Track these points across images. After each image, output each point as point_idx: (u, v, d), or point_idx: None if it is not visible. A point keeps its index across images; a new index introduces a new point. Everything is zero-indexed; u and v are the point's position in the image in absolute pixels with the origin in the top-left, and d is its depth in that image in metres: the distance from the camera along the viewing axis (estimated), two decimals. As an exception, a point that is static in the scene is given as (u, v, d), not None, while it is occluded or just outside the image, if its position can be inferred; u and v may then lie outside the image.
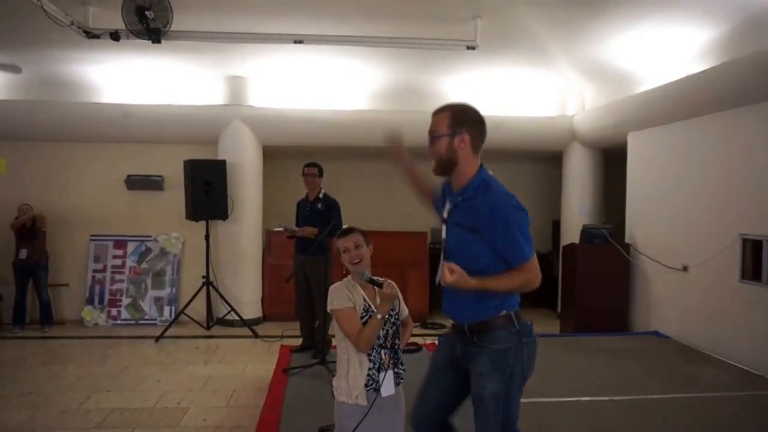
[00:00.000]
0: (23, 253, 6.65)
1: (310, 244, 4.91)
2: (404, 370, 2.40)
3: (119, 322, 7.12)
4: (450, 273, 2.02)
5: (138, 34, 5.00)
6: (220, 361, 5.59)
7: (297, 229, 5.26)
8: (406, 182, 2.64)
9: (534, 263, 2.12)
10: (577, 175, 7.63)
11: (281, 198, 7.14)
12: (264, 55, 6.18)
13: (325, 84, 7.01)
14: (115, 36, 5.19)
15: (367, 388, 2.29)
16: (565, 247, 6.81)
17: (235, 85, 6.96)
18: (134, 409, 4.32)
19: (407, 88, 6.99)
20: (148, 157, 7.27)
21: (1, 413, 4.24)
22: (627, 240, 6.48)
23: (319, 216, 5.12)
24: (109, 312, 7.16)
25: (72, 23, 5.00)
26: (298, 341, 5.53)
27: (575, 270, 6.28)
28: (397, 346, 2.37)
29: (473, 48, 5.41)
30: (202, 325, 6.80)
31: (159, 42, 5.06)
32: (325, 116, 6.93)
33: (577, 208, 7.51)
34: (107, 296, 7.21)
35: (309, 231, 5.09)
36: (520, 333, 2.15)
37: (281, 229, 5.70)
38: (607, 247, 6.23)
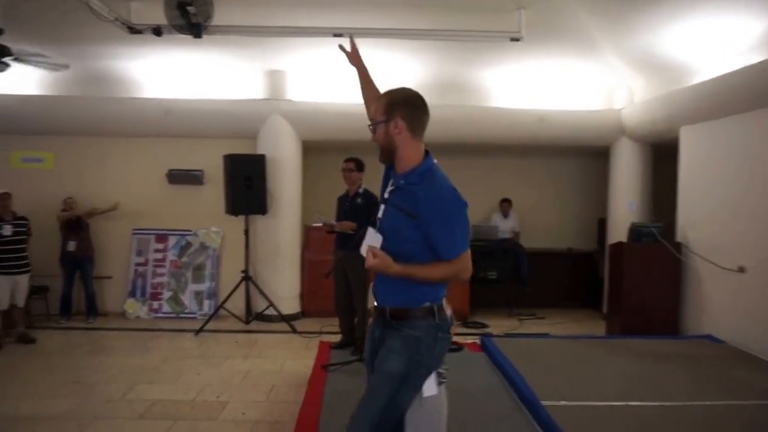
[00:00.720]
0: (71, 246, 6.91)
1: (349, 239, 4.95)
2: (447, 370, 2.40)
3: (160, 314, 7.34)
4: (373, 257, 2.10)
5: (180, 29, 5.12)
6: (258, 356, 5.70)
7: (335, 223, 5.31)
8: (360, 83, 2.74)
9: (465, 257, 2.14)
10: (624, 171, 7.46)
11: (320, 193, 7.23)
12: (303, 49, 6.24)
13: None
14: (157, 31, 5.33)
15: (410, 387, 2.30)
16: (612, 245, 6.67)
17: (275, 79, 7.07)
18: (175, 401, 4.46)
19: (449, 81, 6.95)
20: (189, 151, 7.46)
21: (50, 400, 4.45)
22: (678, 239, 6.30)
23: (359, 211, 5.15)
24: (150, 305, 7.39)
25: (116, 19, 5.16)
26: (338, 337, 5.60)
27: (623, 270, 6.15)
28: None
29: (517, 39, 5.34)
30: (241, 320, 6.96)
31: (200, 37, 5.17)
32: (364, 110, 6.95)
33: (628, 206, 7.35)
34: (149, 289, 7.44)
35: (347, 226, 5.13)
36: (438, 327, 2.17)
37: (320, 224, 5.77)
38: (657, 246, 6.07)
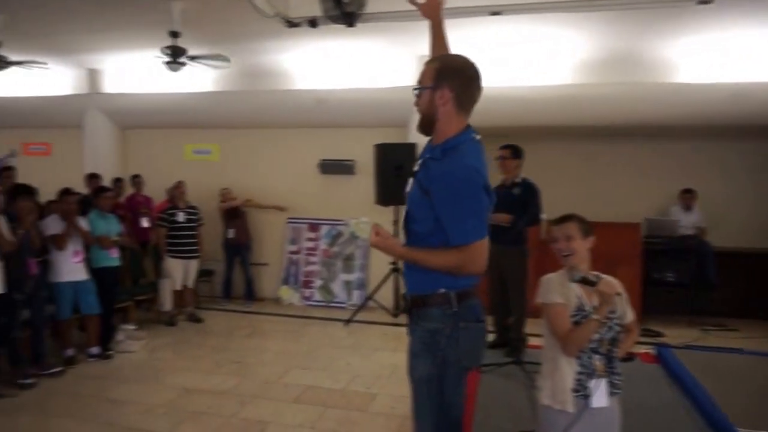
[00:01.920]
0: (230, 233, 7.62)
1: (505, 232, 4.82)
2: (621, 381, 2.22)
3: (312, 302, 7.81)
4: (375, 234, 1.98)
5: (334, 19, 5.36)
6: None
7: (489, 215, 5.20)
8: (430, 38, 2.56)
9: (476, 248, 1.93)
10: None
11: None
12: (457, 31, 6.16)
13: (522, 57, 6.80)
14: (313, 23, 5.62)
15: (576, 394, 2.17)
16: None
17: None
18: (327, 388, 4.72)
19: (622, 56, 6.45)
20: (341, 141, 7.81)
21: (215, 377, 4.97)
22: None
23: (516, 202, 4.98)
24: (302, 292, 7.89)
25: (276, 14, 5.53)
26: (491, 336, 5.51)
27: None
28: (613, 354, 2.21)
29: (708, 2, 4.77)
30: (389, 312, 7.15)
31: (353, 25, 5.36)
32: (522, 93, 6.73)
33: None
34: (301, 277, 7.95)
35: (501, 218, 5.00)
36: (457, 315, 2.02)
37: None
38: None
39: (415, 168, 2.14)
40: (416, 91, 2.12)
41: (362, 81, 7.35)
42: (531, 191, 5.03)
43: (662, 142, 7.83)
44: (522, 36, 6.25)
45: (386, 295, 7.20)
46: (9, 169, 6.22)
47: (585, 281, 2.15)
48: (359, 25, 5.40)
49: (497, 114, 6.87)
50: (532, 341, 5.01)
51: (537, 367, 4.52)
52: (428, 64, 2.11)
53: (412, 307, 2.12)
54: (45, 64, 7.36)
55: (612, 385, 2.20)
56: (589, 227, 2.27)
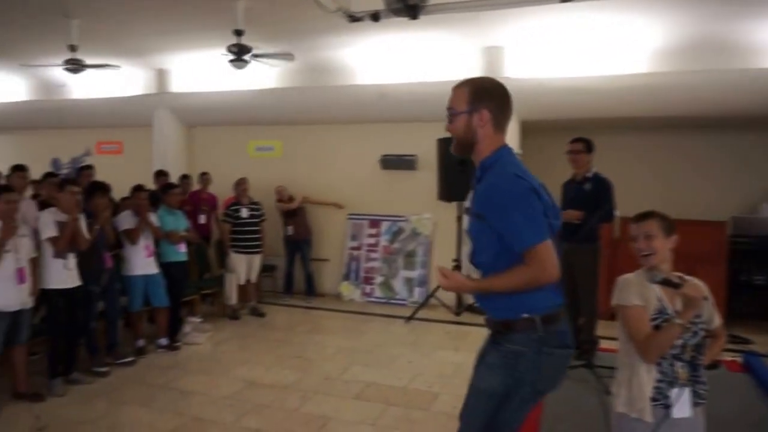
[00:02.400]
0: (289, 230, 7.77)
1: (576, 230, 4.67)
2: (706, 390, 2.10)
3: (372, 299, 7.85)
4: (444, 278, 1.98)
5: (397, 12, 5.34)
6: (470, 350, 5.69)
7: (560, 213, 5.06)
8: None
9: (541, 252, 1.87)
10: None
11: (541, 178, 6.98)
12: (524, 21, 6.04)
13: (593, 47, 6.58)
14: (375, 17, 5.62)
15: (655, 403, 2.07)
16: None
17: (492, 55, 6.98)
18: (388, 386, 4.73)
19: (705, 42, 6.10)
20: (402, 136, 7.81)
21: (277, 372, 5.09)
22: None
23: (587, 198, 4.81)
24: (363, 289, 7.93)
25: (338, 9, 5.57)
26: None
27: None
28: (698, 361, 2.09)
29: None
30: (451, 310, 7.09)
31: (416, 18, 5.32)
32: (593, 84, 6.51)
33: None
34: (362, 273, 8.00)
35: (572, 215, 4.83)
36: (542, 341, 1.99)
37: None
38: None
39: (467, 204, 2.22)
40: (449, 116, 2.17)
41: (425, 74, 7.31)
42: (603, 186, 4.84)
43: (751, 134, 7.40)
44: (593, 24, 6.04)
45: (448, 293, 7.12)
46: (88, 168, 6.54)
47: (667, 283, 2.04)
48: (422, 17, 5.37)
49: (567, 106, 6.71)
50: (604, 344, 4.86)
51: (609, 372, 4.38)
52: (458, 88, 2.16)
53: (495, 332, 2.12)
54: (118, 66, 7.72)
55: (696, 394, 2.08)
56: (671, 225, 2.16)
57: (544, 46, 6.75)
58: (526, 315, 2.01)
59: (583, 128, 6.02)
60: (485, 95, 2.10)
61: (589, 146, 4.98)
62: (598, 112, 6.68)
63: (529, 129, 7.37)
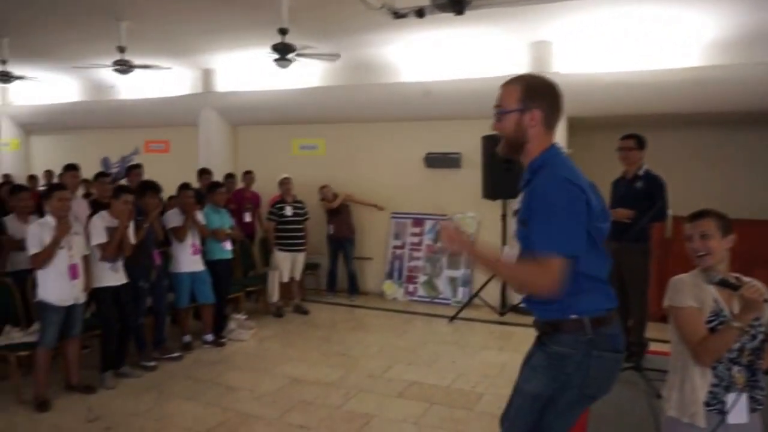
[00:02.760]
0: (330, 229, 7.84)
1: (626, 229, 4.58)
2: (764, 396, 2.05)
3: (415, 298, 7.86)
4: (447, 238, 1.98)
5: (442, 8, 5.34)
6: (515, 350, 5.69)
7: (609, 211, 4.97)
8: None
9: (555, 264, 1.79)
10: None
11: (590, 177, 6.86)
12: (572, 15, 5.96)
13: (644, 40, 6.44)
14: (420, 13, 5.64)
15: (709, 408, 2.04)
16: None
17: (539, 50, 6.92)
18: (431, 385, 4.75)
19: (761, 32, 5.90)
20: (447, 133, 7.78)
21: (321, 369, 5.17)
22: None
23: (638, 196, 4.71)
24: (406, 288, 7.96)
25: (382, 6, 5.61)
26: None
27: None
28: (756, 366, 2.04)
29: None
30: (495, 310, 7.05)
31: (462, 13, 5.32)
32: (644, 79, 6.37)
33: None
34: (405, 272, 8.03)
35: (622, 213, 4.74)
36: (591, 343, 1.94)
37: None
38: None
39: (515, 207, 2.16)
40: (496, 114, 2.11)
41: (471, 71, 7.28)
42: (655, 184, 4.73)
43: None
44: (643, 17, 5.91)
45: (493, 293, 7.09)
46: (136, 168, 6.76)
47: (725, 284, 1.99)
48: (468, 13, 5.36)
49: (617, 101, 6.58)
50: (654, 347, 4.77)
51: (659, 375, 4.29)
52: (508, 86, 2.09)
53: (543, 333, 2.09)
54: (168, 67, 7.98)
55: (753, 400, 2.03)
56: (728, 224, 2.11)
57: (594, 41, 6.64)
58: (574, 316, 1.97)
59: (634, 125, 5.88)
60: (537, 94, 2.05)
61: (640, 143, 4.88)
62: (650, 108, 6.52)
63: (577, 126, 7.25)
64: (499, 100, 2.10)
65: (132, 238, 4.96)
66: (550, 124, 2.06)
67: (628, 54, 6.55)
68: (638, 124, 6.12)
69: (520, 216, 2.04)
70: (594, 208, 1.95)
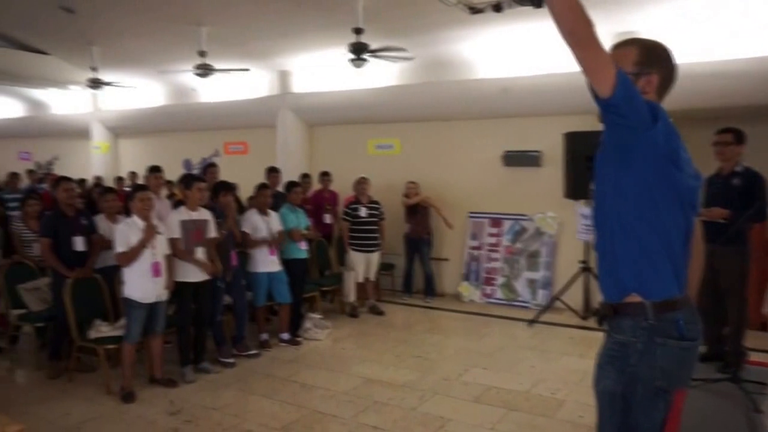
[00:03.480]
0: (407, 228, 7.90)
1: (721, 230, 4.36)
2: None
3: (493, 300, 7.80)
4: None
5: (521, 1, 5.28)
6: (598, 357, 5.57)
7: (702, 210, 4.74)
8: None
9: (604, 59, 1.69)
10: None
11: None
12: (660, 5, 5.74)
13: (742, 26, 6.09)
14: (497, 7, 5.59)
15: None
16: None
17: (624, 42, 6.69)
18: (509, 390, 4.72)
19: None
20: (526, 131, 7.68)
21: (396, 370, 5.24)
22: None
23: (735, 195, 4.47)
24: (483, 290, 7.91)
25: (458, 2, 5.61)
26: (702, 348, 5.06)
27: None
28: None
29: None
30: (577, 314, 6.89)
31: (541, 6, 5.23)
32: (744, 67, 6.01)
33: None
34: (482, 274, 7.98)
35: (717, 213, 4.52)
36: (653, 329, 1.82)
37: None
38: None
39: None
40: None
41: (550, 66, 7.13)
42: (755, 182, 4.47)
43: None
44: (735, 4, 5.61)
45: (575, 296, 6.93)
46: (212, 166, 7.07)
47: None
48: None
49: (713, 92, 6.26)
50: (753, 356, 4.53)
51: (759, 387, 4.07)
52: (623, 47, 1.94)
53: (605, 316, 2.01)
54: (247, 69, 8.31)
55: None
56: None
57: (685, 28, 6.35)
58: (637, 298, 1.86)
59: (731, 117, 5.59)
60: (658, 58, 1.92)
61: (739, 137, 4.63)
62: (748, 99, 6.16)
63: (673, 119, 6.96)
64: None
65: (214, 231, 5.20)
66: (663, 92, 1.95)
67: (725, 41, 6.22)
68: (735, 116, 5.80)
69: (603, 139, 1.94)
70: (683, 160, 1.86)
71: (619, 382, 1.90)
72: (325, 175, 8.22)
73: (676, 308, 1.86)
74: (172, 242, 4.95)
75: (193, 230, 5.09)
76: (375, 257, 7.36)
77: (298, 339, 6.14)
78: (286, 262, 6.15)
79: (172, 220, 5.06)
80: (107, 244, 5.11)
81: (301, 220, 6.45)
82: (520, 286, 7.69)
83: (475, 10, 5.79)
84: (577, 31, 1.69)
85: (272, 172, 7.65)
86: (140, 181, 8.66)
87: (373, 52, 6.45)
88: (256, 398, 4.67)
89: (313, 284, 6.92)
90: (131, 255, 4.59)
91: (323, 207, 7.91)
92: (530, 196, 7.67)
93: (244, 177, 7.92)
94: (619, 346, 1.90)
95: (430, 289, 7.96)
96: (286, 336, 6.09)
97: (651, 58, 1.91)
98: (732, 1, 5.54)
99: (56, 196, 5.42)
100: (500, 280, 7.84)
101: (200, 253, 5.11)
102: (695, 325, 1.90)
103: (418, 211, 7.90)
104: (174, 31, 7.54)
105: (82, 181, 10.05)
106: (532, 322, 6.72)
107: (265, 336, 5.97)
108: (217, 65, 7.85)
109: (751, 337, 4.56)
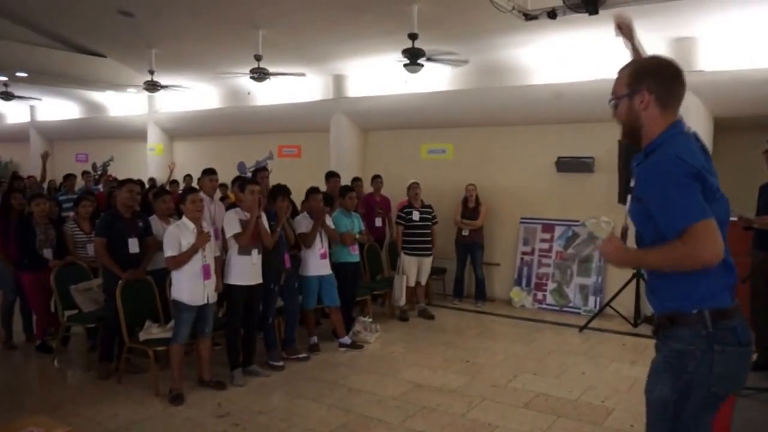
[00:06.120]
0: (464, 230, 8.03)
1: (774, 238, 4.43)
2: None
3: (544, 306, 7.91)
4: (609, 244, 2.07)
5: (575, 8, 5.40)
6: (649, 364, 5.61)
7: (754, 218, 4.79)
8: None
9: (697, 230, 1.77)
10: None
11: (735, 180, 6.57)
12: (717, 12, 5.77)
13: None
14: (552, 14, 5.72)
15: None
16: None
17: (682, 47, 6.68)
18: (558, 397, 4.83)
19: None
20: (579, 137, 7.74)
21: (444, 375, 5.40)
22: None
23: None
24: (534, 295, 8.03)
25: (513, 8, 5.77)
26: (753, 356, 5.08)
27: None
28: None
29: None
30: (628, 321, 6.94)
31: (596, 13, 5.34)
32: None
33: None
34: (534, 279, 8.09)
35: (771, 222, 4.59)
36: (712, 337, 1.90)
37: (735, 218, 5.28)
38: None
39: (632, 184, 2.18)
40: (612, 103, 2.16)
41: (605, 72, 7.17)
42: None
43: None
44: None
45: (626, 303, 6.98)
46: (263, 170, 7.27)
47: None
48: (602, 12, 5.38)
49: (766, 100, 6.24)
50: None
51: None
52: (620, 72, 2.13)
53: (659, 328, 2.10)
54: (302, 74, 8.63)
55: None
56: None
57: (744, 36, 6.34)
58: (694, 309, 1.95)
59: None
60: (645, 74, 2.05)
61: (790, 145, 4.68)
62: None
63: (724, 126, 6.93)
64: (613, 88, 2.15)
65: (267, 229, 5.30)
66: (665, 105, 2.04)
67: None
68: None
69: (635, 192, 2.07)
70: (711, 186, 1.95)
71: (674, 390, 1.96)
72: (376, 179, 8.40)
73: (732, 317, 1.97)
74: (236, 237, 5.06)
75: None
76: (427, 261, 7.54)
77: (360, 343, 6.21)
78: (337, 266, 6.31)
79: (230, 218, 5.17)
80: (160, 246, 5.12)
81: (354, 224, 6.66)
82: (572, 292, 7.77)
83: (529, 17, 5.92)
84: (693, 265, 1.90)
85: (331, 177, 7.69)
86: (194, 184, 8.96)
87: (428, 57, 6.64)
88: (304, 402, 4.73)
89: (364, 288, 7.11)
90: (181, 259, 4.68)
91: (374, 210, 8.14)
92: (582, 202, 7.71)
93: (298, 180, 8.21)
94: (677, 354, 1.97)
95: (481, 294, 8.10)
96: (347, 340, 6.16)
97: (639, 76, 2.08)
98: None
99: (118, 196, 5.53)
100: (551, 285, 7.94)
101: (256, 254, 5.18)
102: (749, 332, 2.02)
103: (470, 216, 8.04)
104: (231, 35, 7.85)
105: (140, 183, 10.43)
106: (583, 328, 6.80)
107: (314, 339, 6.07)
108: (272, 69, 8.17)
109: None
